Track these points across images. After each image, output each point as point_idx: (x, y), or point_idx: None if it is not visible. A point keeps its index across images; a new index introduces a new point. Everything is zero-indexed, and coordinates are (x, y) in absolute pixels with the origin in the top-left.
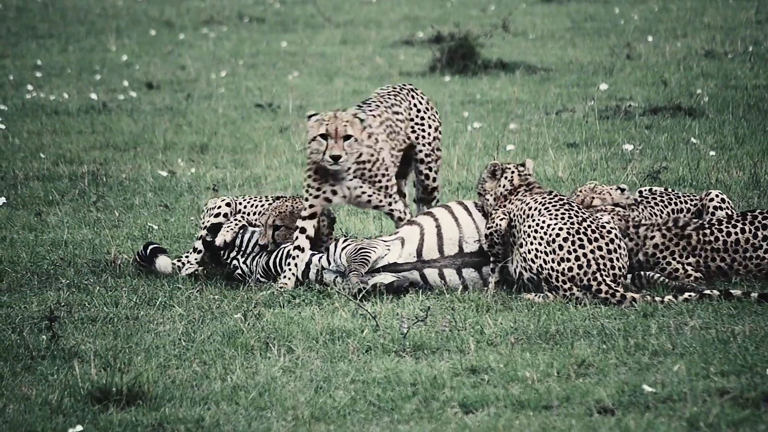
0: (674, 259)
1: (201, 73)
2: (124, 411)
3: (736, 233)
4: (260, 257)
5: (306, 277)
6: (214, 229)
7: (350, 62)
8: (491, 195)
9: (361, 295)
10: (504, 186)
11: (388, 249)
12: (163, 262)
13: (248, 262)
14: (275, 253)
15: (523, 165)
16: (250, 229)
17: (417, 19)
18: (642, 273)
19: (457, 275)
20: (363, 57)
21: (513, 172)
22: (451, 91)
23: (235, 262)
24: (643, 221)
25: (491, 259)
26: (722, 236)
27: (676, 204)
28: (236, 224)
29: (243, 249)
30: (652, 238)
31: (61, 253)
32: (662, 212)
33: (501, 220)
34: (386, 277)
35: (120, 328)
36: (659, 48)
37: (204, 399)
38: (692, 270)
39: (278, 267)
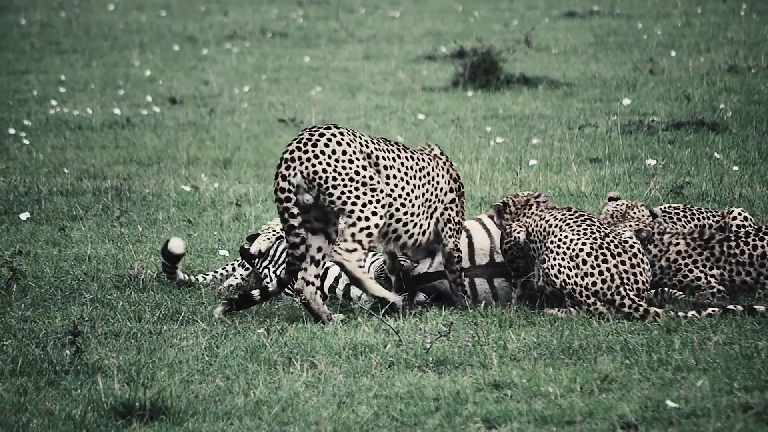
0: (697, 267)
1: (224, 88)
2: (147, 426)
3: (763, 246)
4: None
5: (333, 291)
6: (253, 237)
7: (373, 77)
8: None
9: (384, 311)
10: (507, 220)
11: (417, 261)
12: (175, 243)
13: (278, 272)
14: None
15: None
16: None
17: (440, 34)
18: (665, 290)
19: (489, 285)
20: (386, 72)
21: (507, 204)
22: (473, 105)
23: (266, 270)
24: (667, 230)
25: (512, 273)
26: (748, 249)
27: (699, 220)
28: (273, 234)
29: (275, 259)
30: (676, 245)
31: (85, 268)
32: (684, 228)
33: (518, 233)
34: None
35: (143, 343)
36: (682, 63)
37: (227, 414)
38: (715, 282)
39: None
